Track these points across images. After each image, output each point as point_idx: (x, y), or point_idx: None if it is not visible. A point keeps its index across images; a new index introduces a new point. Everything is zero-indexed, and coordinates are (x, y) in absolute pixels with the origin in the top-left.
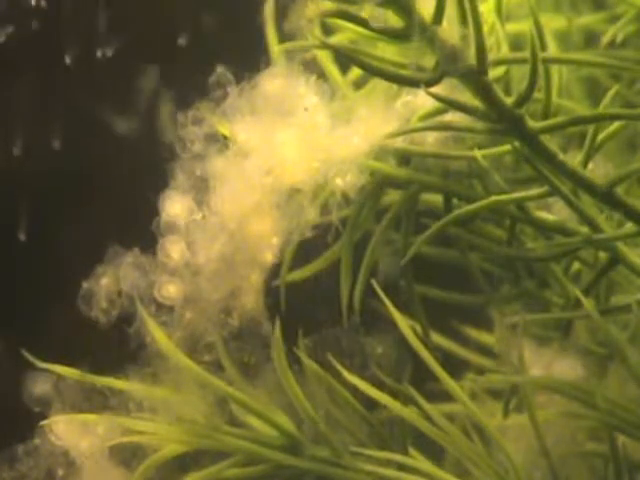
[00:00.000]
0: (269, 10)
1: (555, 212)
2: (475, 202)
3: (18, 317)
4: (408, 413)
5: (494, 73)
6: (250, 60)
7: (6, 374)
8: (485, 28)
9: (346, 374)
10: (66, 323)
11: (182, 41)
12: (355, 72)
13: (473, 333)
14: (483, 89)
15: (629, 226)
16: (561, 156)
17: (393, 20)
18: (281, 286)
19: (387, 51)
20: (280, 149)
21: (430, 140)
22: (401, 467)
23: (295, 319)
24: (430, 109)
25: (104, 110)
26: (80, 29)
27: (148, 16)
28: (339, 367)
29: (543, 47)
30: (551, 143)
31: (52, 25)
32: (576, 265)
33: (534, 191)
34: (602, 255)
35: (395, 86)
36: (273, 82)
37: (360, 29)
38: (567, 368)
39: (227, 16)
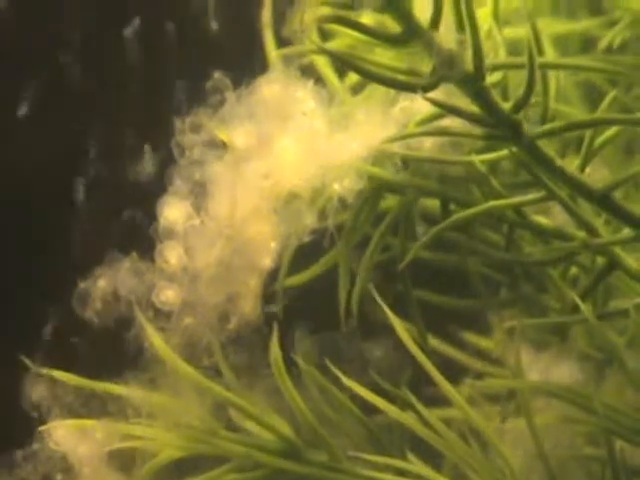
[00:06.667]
0: (266, 15)
1: (553, 217)
2: (473, 207)
3: (17, 321)
4: (406, 418)
5: (491, 78)
6: (248, 65)
7: (5, 379)
8: (482, 33)
9: (344, 379)
10: (64, 328)
11: (179, 46)
12: (353, 77)
13: (471, 338)
14: (480, 94)
15: (626, 231)
16: (559, 161)
17: (390, 25)
18: (279, 291)
19: (384, 56)
20: (278, 154)
21: (428, 145)
22: (399, 472)
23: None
24: (427, 114)
25: (101, 114)
26: (74, 33)
27: (146, 19)
28: (337, 372)
29: (540, 52)
30: (548, 148)
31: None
32: (574, 270)
33: (532, 196)
34: (600, 260)
35: (393, 91)
36: (271, 87)
37: (357, 34)
38: (565, 373)
39: (225, 21)
